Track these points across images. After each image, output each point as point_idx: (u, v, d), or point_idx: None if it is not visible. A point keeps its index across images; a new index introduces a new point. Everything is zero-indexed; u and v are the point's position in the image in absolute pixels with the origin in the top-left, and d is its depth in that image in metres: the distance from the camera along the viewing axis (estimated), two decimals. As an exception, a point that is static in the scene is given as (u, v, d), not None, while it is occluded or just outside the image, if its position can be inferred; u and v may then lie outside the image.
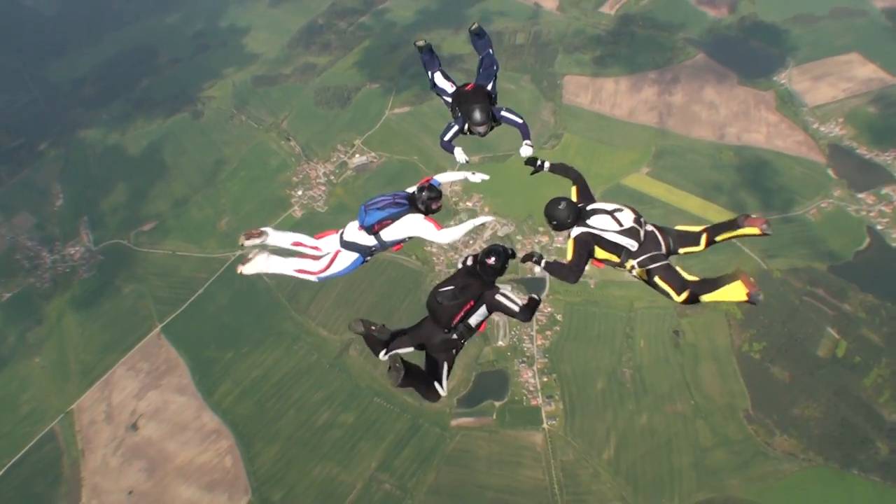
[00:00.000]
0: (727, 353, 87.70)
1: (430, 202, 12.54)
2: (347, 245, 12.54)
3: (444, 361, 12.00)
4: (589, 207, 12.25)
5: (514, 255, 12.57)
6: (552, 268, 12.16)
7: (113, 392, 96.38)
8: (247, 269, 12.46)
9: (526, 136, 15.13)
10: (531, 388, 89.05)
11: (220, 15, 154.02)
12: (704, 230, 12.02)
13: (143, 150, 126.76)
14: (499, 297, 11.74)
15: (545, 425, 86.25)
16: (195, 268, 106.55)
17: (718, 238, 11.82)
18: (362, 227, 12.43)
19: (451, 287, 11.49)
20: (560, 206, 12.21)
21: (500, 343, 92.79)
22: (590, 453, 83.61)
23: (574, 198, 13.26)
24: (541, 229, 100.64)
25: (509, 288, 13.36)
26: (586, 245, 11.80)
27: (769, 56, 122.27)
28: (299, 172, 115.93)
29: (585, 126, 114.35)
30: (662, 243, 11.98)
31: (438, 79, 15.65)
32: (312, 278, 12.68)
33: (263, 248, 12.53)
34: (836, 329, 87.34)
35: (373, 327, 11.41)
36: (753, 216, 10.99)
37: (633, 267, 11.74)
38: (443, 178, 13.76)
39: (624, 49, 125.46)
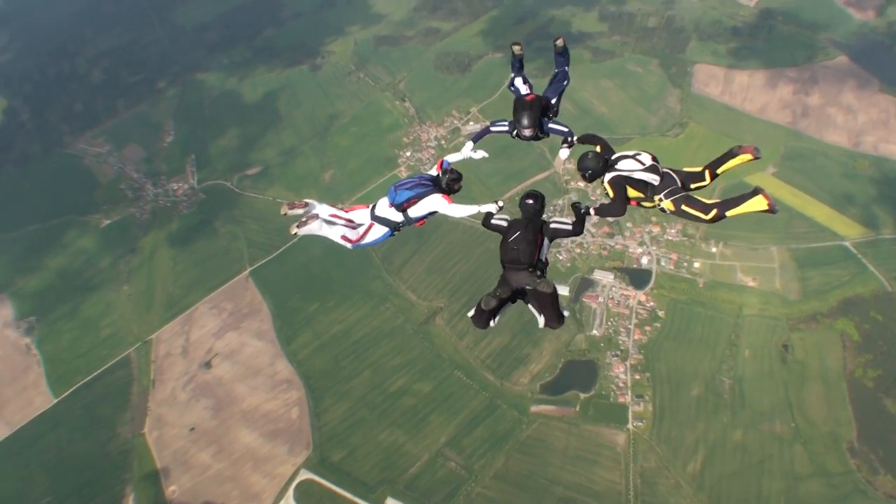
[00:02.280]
0: (838, 377, 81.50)
1: (452, 183, 14.51)
2: (378, 219, 14.17)
3: (551, 291, 13.09)
4: (613, 157, 13.73)
5: (587, 213, 14.27)
6: (602, 209, 13.89)
7: (193, 328, 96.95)
8: (301, 231, 13.24)
9: (568, 140, 16.03)
10: (621, 385, 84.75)
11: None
12: (706, 167, 13.80)
13: (258, 97, 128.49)
14: (553, 225, 13.92)
15: (630, 426, 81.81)
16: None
17: (719, 170, 13.67)
18: (393, 204, 13.95)
19: (518, 233, 13.26)
20: (590, 157, 13.75)
21: (594, 332, 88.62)
22: (674, 463, 78.68)
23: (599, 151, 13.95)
24: (653, 219, 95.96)
25: (557, 219, 14.42)
26: (620, 185, 13.32)
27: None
28: (410, 134, 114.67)
29: (713, 117, 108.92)
30: (678, 180, 13.37)
31: (518, 82, 17.14)
32: (348, 245, 14.02)
33: (317, 215, 13.67)
34: None
35: (498, 291, 12.89)
36: (744, 146, 13.18)
37: (660, 199, 13.19)
38: (452, 158, 15.70)
39: (761, 43, 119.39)
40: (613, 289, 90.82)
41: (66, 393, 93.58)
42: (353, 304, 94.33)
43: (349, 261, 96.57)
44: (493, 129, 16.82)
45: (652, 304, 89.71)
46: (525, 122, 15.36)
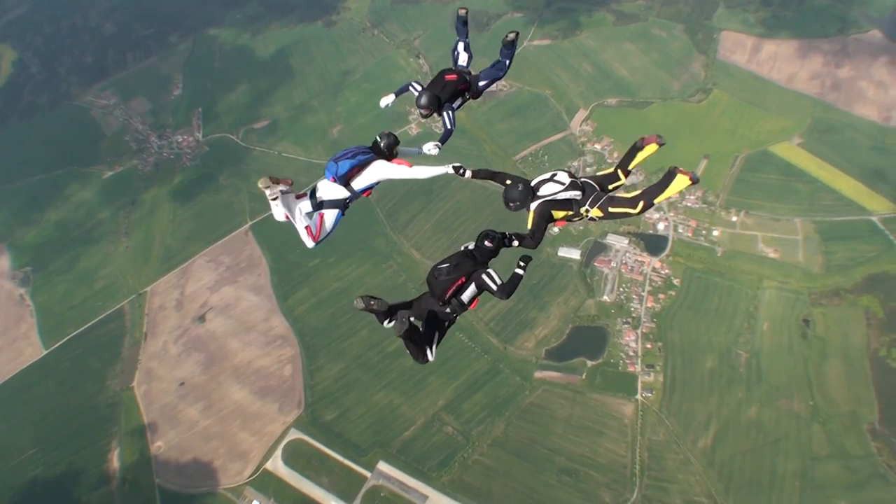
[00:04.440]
0: (860, 355, 77.68)
1: (391, 147, 14.13)
2: (324, 203, 13.69)
3: (437, 331, 12.82)
4: (533, 183, 13.43)
5: (509, 244, 13.40)
6: (520, 239, 13.39)
7: (189, 281, 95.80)
8: (276, 203, 13.25)
9: (442, 139, 15.72)
10: (631, 353, 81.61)
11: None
12: (616, 167, 13.62)
13: (270, 53, 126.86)
14: (483, 276, 12.73)
15: (639, 396, 78.80)
16: (298, 171, 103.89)
17: (630, 167, 13.39)
18: (335, 178, 13.52)
19: (447, 265, 12.81)
20: (519, 188, 13.26)
21: (605, 298, 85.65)
22: (684, 437, 75.65)
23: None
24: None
25: (493, 271, 13.20)
26: (544, 213, 13.15)
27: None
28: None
29: (738, 85, 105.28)
30: (596, 186, 13.31)
31: (460, 47, 17.05)
32: (312, 243, 13.62)
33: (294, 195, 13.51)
34: None
35: (372, 302, 12.28)
36: (647, 136, 12.78)
37: (587, 210, 13.19)
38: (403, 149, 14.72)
39: (792, 13, 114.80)
40: (627, 254, 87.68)
41: (57, 344, 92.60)
42: (355, 261, 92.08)
43: (353, 216, 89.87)
44: (411, 87, 16.67)
45: (667, 271, 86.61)
46: (422, 100, 15.42)
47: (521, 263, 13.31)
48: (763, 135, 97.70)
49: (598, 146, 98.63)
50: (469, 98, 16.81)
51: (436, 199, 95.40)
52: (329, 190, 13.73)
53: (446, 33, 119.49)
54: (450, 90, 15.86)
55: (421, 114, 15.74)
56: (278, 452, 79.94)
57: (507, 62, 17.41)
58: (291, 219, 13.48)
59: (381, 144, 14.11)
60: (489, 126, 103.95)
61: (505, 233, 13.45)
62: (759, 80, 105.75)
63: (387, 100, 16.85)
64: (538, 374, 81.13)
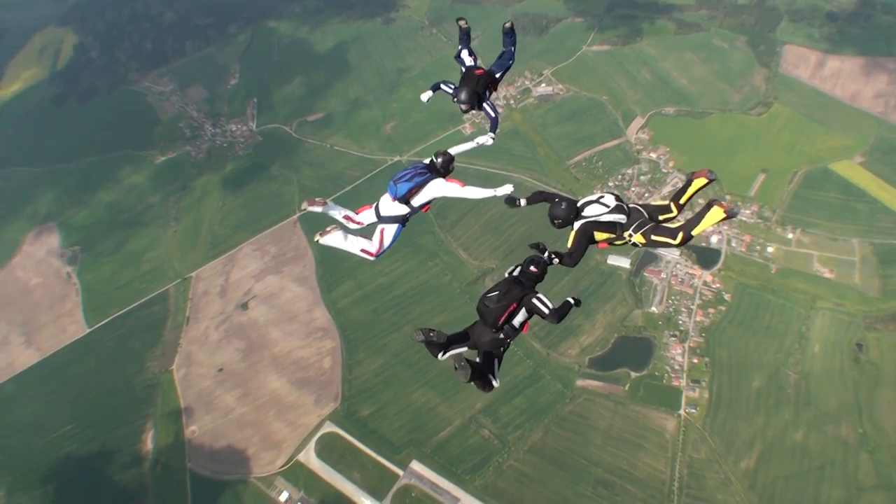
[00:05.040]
0: None
1: (447, 165, 14.51)
2: (385, 220, 14.37)
3: (495, 358, 12.87)
4: (579, 203, 13.68)
5: (550, 262, 13.64)
6: (560, 258, 13.49)
7: (234, 268, 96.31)
8: (323, 240, 13.98)
9: (493, 128, 16.09)
10: (676, 367, 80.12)
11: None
12: (670, 200, 13.57)
13: (328, 47, 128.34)
14: (534, 301, 12.66)
15: (683, 412, 77.09)
16: (349, 165, 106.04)
17: (682, 200, 13.32)
18: (396, 198, 14.11)
19: (497, 293, 12.72)
20: (563, 207, 13.61)
21: (653, 309, 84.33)
22: (726, 457, 73.60)
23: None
24: (727, 197, 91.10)
25: (541, 296, 13.05)
26: (585, 233, 13.22)
27: None
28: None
29: (799, 100, 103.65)
30: (645, 213, 13.30)
31: (464, 55, 17.00)
32: (370, 258, 14.41)
33: (341, 226, 14.31)
34: None
35: (432, 333, 12.19)
36: (697, 171, 12.87)
37: (630, 235, 13.09)
38: (455, 151, 15.14)
39: (857, 30, 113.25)
40: (678, 266, 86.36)
41: (101, 324, 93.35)
42: (401, 258, 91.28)
43: None
44: (442, 86, 16.59)
45: (718, 285, 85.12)
46: (463, 96, 15.57)
47: (575, 298, 13.18)
48: (823, 152, 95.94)
49: (653, 155, 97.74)
50: (493, 90, 16.73)
51: (486, 200, 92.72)
52: (390, 207, 14.28)
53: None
54: (483, 84, 16.01)
55: (462, 109, 16.07)
56: (311, 445, 79.46)
57: (512, 49, 17.29)
58: (343, 248, 14.15)
59: (438, 163, 14.48)
60: (544, 129, 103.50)
61: (546, 249, 13.81)
62: (822, 96, 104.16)
63: (426, 95, 16.98)
64: (580, 383, 79.99)
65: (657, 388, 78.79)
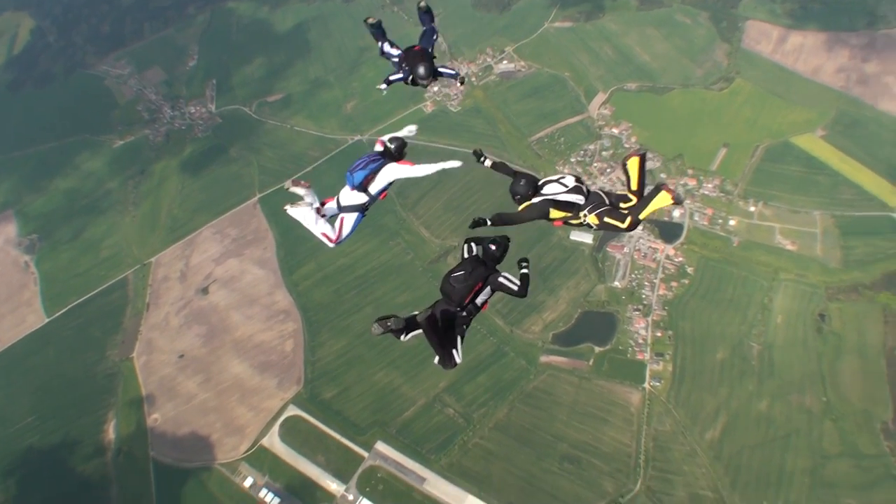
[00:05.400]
0: (877, 353, 75.75)
1: (400, 149, 14.96)
2: (345, 209, 14.97)
3: (458, 334, 13.08)
4: (540, 182, 14.38)
5: (507, 246, 14.13)
6: (502, 221, 14.37)
7: (194, 252, 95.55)
8: (292, 210, 14.55)
9: (460, 79, 18.40)
10: (640, 341, 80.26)
11: None
12: (633, 192, 13.84)
13: (288, 27, 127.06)
14: (501, 279, 13.34)
15: (647, 385, 77.38)
16: (309, 145, 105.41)
17: (633, 186, 13.69)
18: (354, 187, 14.73)
19: (462, 272, 13.16)
20: (522, 183, 14.36)
21: (616, 283, 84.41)
22: (691, 429, 74.16)
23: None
24: (689, 171, 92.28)
25: (506, 275, 13.80)
26: (541, 209, 13.98)
27: None
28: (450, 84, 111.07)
29: (761, 75, 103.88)
30: (605, 198, 13.96)
31: (386, 47, 17.98)
32: (330, 244, 15.08)
33: (312, 201, 14.63)
34: None
35: (389, 323, 12.40)
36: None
37: (585, 216, 13.93)
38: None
39: (819, 5, 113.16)
40: (641, 240, 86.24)
41: (59, 313, 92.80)
42: (363, 238, 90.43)
43: None
44: (392, 79, 17.66)
45: (681, 259, 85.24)
46: (422, 71, 16.65)
47: (524, 263, 13.95)
48: (785, 126, 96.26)
49: (615, 130, 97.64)
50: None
51: (447, 177, 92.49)
52: (349, 197, 14.81)
53: (467, 12, 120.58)
54: (428, 56, 17.14)
55: (423, 85, 17.13)
56: (275, 429, 79.17)
57: (433, 24, 18.30)
58: (307, 225, 14.58)
59: (392, 149, 14.90)
60: (506, 106, 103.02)
61: (486, 220, 14.43)
62: (784, 71, 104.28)
63: (383, 86, 18.06)
64: (544, 359, 79.88)
65: (621, 363, 78.93)
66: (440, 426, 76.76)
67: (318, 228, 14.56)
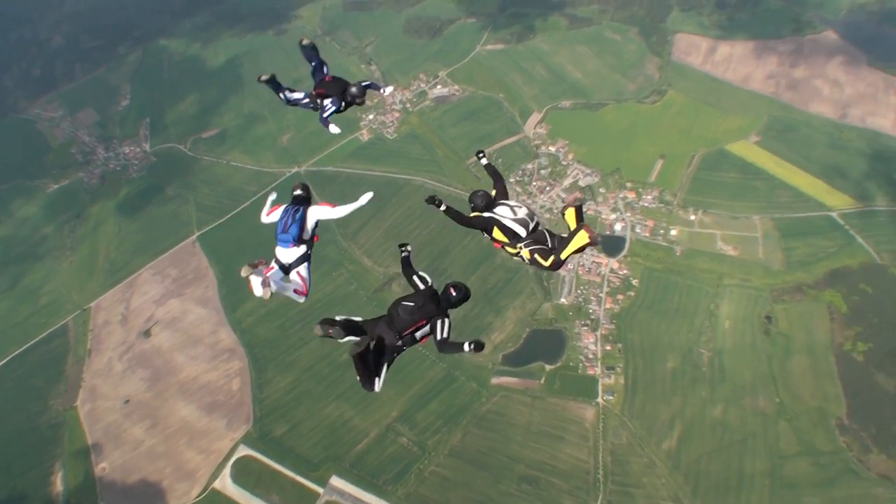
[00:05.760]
0: (825, 350, 76.69)
1: (308, 194, 15.20)
2: (291, 267, 14.48)
3: (386, 362, 13.14)
4: (499, 201, 15.07)
5: (466, 298, 13.81)
6: (452, 213, 14.90)
7: (134, 295, 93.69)
8: (256, 289, 14.12)
9: (380, 86, 19.37)
10: (590, 356, 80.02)
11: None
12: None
13: (221, 63, 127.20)
14: (438, 322, 13.16)
15: (600, 399, 77.07)
16: (246, 180, 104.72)
17: (573, 227, 14.30)
18: (294, 243, 14.26)
19: (413, 304, 13.18)
20: (479, 195, 15.13)
21: (562, 300, 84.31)
22: (647, 440, 73.83)
23: (493, 193, 15.49)
24: (628, 184, 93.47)
25: (448, 322, 13.69)
26: (487, 223, 14.58)
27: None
28: (374, 97, 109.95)
29: (693, 86, 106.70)
30: (548, 241, 14.33)
31: (289, 95, 18.07)
32: (302, 299, 14.84)
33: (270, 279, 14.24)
34: None
35: (330, 332, 12.61)
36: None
37: (521, 248, 14.44)
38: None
39: (746, 15, 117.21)
40: (584, 256, 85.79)
41: None
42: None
43: None
44: (326, 116, 17.53)
45: (625, 271, 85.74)
46: (355, 90, 17.09)
47: (472, 345, 13.16)
48: (719, 134, 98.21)
49: (552, 148, 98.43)
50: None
51: (387, 205, 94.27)
52: (290, 254, 14.36)
53: (398, 40, 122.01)
54: (344, 80, 17.69)
55: (358, 103, 17.52)
56: (227, 470, 77.24)
57: (321, 59, 18.57)
58: (281, 291, 14.40)
59: (302, 195, 14.99)
60: (442, 131, 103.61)
61: (441, 201, 14.98)
62: (715, 81, 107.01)
63: (334, 129, 17.97)
64: (495, 381, 79.34)
65: (573, 379, 78.61)
66: (395, 456, 75.42)
67: (289, 289, 14.49)
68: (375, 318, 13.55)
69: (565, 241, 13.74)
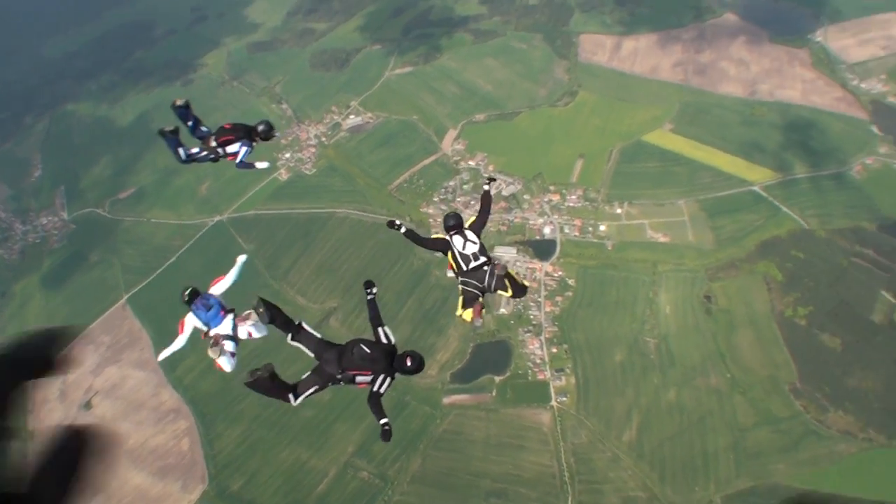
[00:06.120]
0: (767, 320, 77.66)
1: (192, 298, 14.44)
2: (235, 331, 14.52)
3: (316, 386, 13.48)
4: (466, 229, 15.23)
5: (419, 370, 13.58)
6: (411, 235, 15.72)
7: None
8: (227, 367, 14.34)
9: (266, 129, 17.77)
10: (538, 361, 79.59)
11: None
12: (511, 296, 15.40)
13: (131, 120, 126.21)
14: (379, 378, 13.16)
15: (554, 402, 76.40)
16: (170, 235, 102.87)
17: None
18: (223, 312, 14.40)
19: (369, 352, 13.13)
20: (451, 215, 15.37)
21: (502, 310, 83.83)
22: (607, 435, 73.40)
23: (468, 221, 15.70)
24: (551, 188, 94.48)
25: (390, 382, 13.79)
26: (444, 245, 15.09)
27: (803, 15, 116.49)
28: (289, 135, 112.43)
29: (603, 83, 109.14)
30: (489, 281, 14.85)
31: (186, 151, 17.32)
32: (266, 331, 14.85)
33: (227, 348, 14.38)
34: (891, 292, 77.46)
35: (258, 372, 12.95)
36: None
37: (459, 280, 15.12)
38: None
39: (646, 9, 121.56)
40: (518, 263, 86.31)
41: None
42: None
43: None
44: (242, 158, 17.51)
45: (560, 273, 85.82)
46: (262, 127, 17.09)
47: (386, 427, 13.43)
48: (634, 127, 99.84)
49: (472, 162, 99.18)
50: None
51: (314, 241, 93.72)
52: (226, 325, 14.39)
53: (306, 75, 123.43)
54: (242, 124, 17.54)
55: (275, 135, 17.85)
56: (189, 533, 74.58)
57: (196, 118, 17.94)
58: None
59: (187, 296, 14.45)
60: (360, 159, 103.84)
61: (401, 225, 15.70)
62: (623, 76, 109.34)
63: (262, 164, 18.22)
64: (447, 400, 78.43)
65: (524, 386, 77.99)
66: (357, 492, 73.67)
67: (243, 334, 14.58)
68: (330, 343, 13.69)
69: (468, 304, 14.71)
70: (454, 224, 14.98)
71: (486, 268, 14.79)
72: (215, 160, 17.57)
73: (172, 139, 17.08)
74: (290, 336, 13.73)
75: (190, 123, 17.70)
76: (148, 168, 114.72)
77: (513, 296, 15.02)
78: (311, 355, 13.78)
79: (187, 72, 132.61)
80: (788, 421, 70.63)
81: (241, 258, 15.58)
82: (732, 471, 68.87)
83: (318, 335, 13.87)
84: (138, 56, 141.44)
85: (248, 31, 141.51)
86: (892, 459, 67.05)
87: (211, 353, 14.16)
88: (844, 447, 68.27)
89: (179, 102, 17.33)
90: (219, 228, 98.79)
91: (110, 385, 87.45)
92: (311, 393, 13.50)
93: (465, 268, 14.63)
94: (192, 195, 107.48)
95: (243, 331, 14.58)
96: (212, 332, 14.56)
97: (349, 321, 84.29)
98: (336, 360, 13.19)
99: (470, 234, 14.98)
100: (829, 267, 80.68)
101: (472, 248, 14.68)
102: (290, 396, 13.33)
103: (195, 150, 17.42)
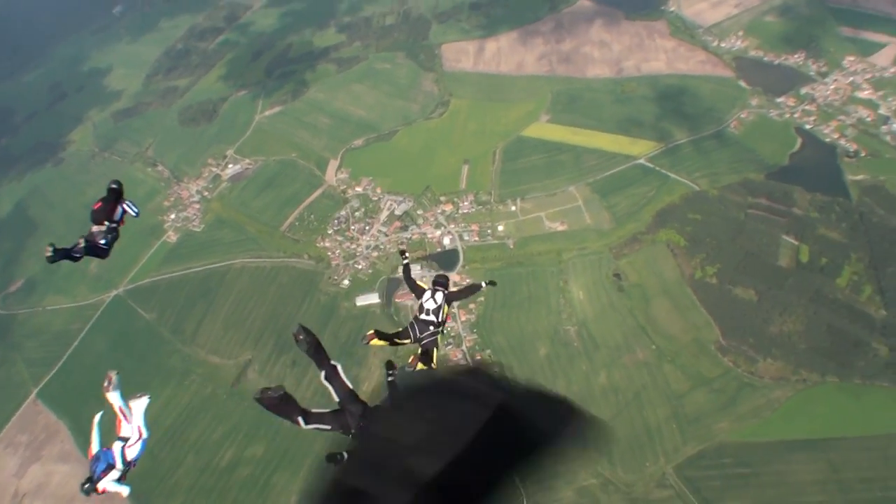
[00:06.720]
0: (679, 285, 79.23)
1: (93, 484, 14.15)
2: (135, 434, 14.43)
3: (328, 427, 12.55)
4: (445, 291, 16.18)
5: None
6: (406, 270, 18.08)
7: None
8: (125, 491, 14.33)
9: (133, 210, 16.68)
10: None
11: (79, 62, 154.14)
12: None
13: (7, 211, 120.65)
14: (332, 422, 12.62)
15: None
16: (68, 319, 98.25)
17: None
18: (121, 420, 14.24)
19: (328, 412, 12.56)
20: (440, 273, 18.86)
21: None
22: None
23: (451, 288, 16.64)
24: (442, 198, 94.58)
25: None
26: (420, 291, 16.19)
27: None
28: (170, 196, 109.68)
29: (472, 89, 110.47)
30: (418, 335, 15.95)
31: (73, 254, 15.38)
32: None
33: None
34: (792, 235, 79.91)
35: (269, 392, 11.38)
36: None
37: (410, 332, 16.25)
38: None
39: (501, 10, 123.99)
40: (425, 279, 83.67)
41: None
42: (155, 390, 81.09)
43: (138, 346, 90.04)
44: (102, 242, 16.07)
45: (468, 280, 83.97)
46: (115, 185, 16.02)
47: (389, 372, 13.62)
48: (511, 124, 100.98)
49: (359, 189, 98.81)
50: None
51: (216, 296, 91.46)
52: (126, 430, 14.32)
53: (176, 132, 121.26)
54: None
55: (134, 213, 16.33)
56: None
57: (73, 248, 15.57)
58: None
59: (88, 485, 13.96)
60: (246, 207, 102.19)
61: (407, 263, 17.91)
62: (491, 77, 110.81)
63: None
64: (383, 427, 76.00)
65: (455, 401, 76.44)
66: (306, 543, 71.13)
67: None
68: (357, 397, 12.84)
69: (422, 357, 15.87)
70: (438, 283, 16.10)
71: (431, 328, 15.76)
72: (116, 236, 15.92)
73: (61, 254, 15.21)
74: (323, 374, 12.64)
75: (75, 254, 15.67)
76: (33, 257, 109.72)
77: (421, 361, 15.90)
78: (336, 400, 12.78)
79: (56, 151, 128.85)
80: (721, 379, 71.60)
81: (145, 400, 14.86)
82: (678, 439, 69.24)
83: (350, 386, 12.78)
84: (3, 144, 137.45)
85: (111, 100, 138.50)
86: (827, 395, 68.66)
87: (121, 492, 14.40)
88: (780, 393, 69.60)
89: (49, 252, 15.31)
90: (117, 303, 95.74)
91: (37, 485, 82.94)
92: (321, 428, 12.45)
93: (417, 314, 15.86)
94: (82, 275, 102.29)
95: (108, 483, 14.51)
96: (99, 487, 14.43)
97: (266, 370, 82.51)
98: (359, 416, 12.40)
99: (439, 297, 15.86)
100: (728, 223, 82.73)
101: (431, 305, 15.78)
102: (300, 419, 12.13)
103: (78, 248, 15.59)
